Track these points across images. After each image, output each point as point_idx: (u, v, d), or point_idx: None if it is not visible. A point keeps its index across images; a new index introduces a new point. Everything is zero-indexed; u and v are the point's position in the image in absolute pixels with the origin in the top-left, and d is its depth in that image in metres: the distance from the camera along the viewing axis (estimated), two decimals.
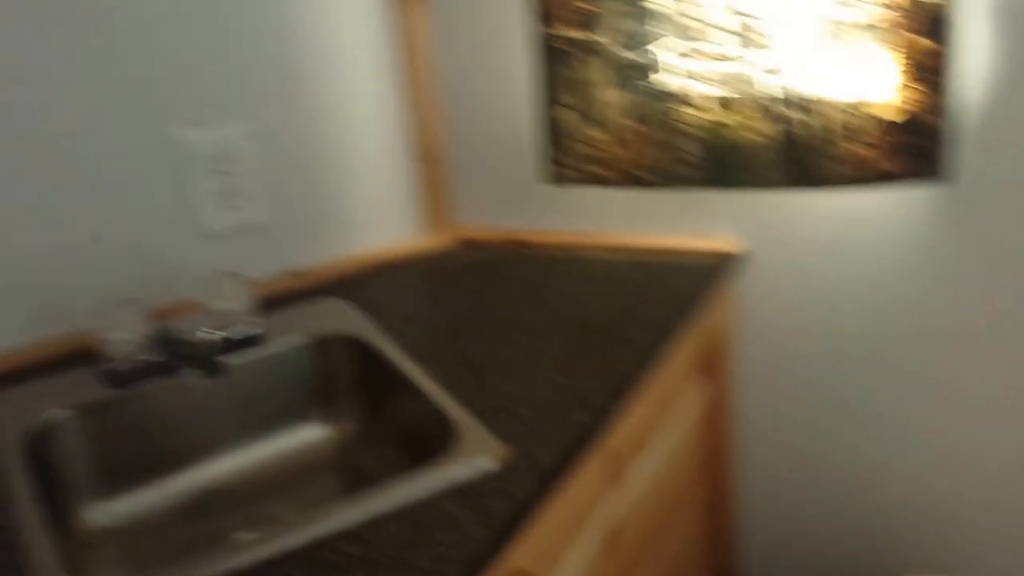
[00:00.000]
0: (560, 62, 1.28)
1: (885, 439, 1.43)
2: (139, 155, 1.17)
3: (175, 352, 1.06)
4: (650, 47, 1.24)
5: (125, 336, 1.05)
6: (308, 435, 1.18)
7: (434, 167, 1.44)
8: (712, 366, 1.41)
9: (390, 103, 1.38)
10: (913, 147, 1.26)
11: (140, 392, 1.07)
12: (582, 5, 1.25)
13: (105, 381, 1.06)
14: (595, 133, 1.31)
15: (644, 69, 1.26)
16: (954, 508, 1.43)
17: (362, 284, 1.33)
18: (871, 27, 1.22)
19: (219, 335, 1.01)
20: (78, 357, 1.14)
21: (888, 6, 1.21)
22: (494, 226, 1.47)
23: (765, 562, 1.58)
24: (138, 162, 1.17)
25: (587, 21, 1.25)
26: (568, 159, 1.34)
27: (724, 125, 1.26)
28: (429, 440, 1.04)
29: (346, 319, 1.22)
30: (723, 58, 1.23)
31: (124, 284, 1.20)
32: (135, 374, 1.06)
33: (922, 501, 1.44)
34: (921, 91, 1.25)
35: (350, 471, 1.14)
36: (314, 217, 1.34)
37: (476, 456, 0.92)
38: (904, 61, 1.23)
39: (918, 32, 1.21)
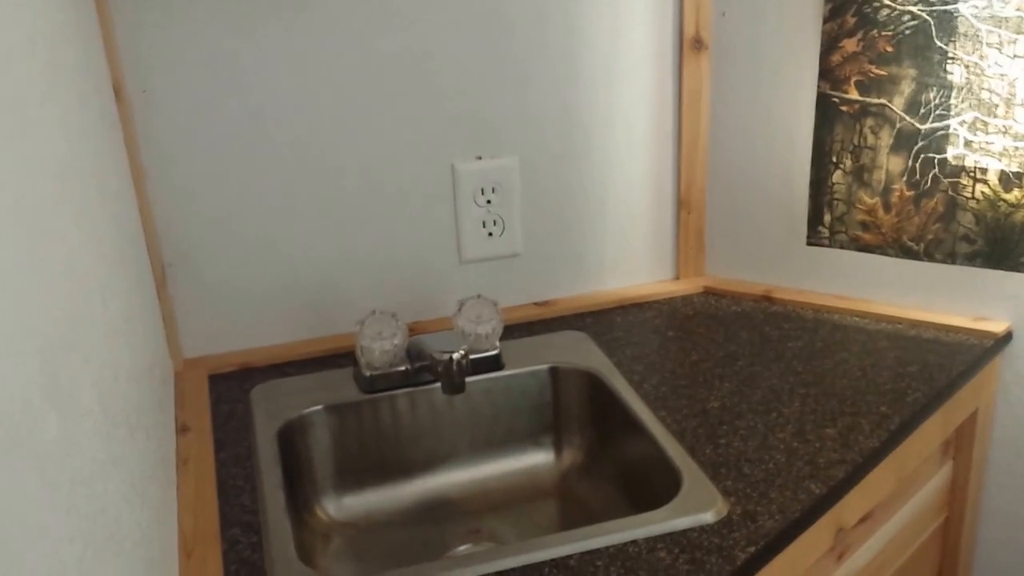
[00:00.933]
0: (843, 124, 1.25)
1: None
2: (423, 182, 1.27)
3: (424, 366, 1.13)
4: (943, 117, 1.18)
5: (382, 345, 1.13)
6: (535, 459, 1.21)
7: (694, 215, 1.43)
8: (959, 447, 1.30)
9: (661, 149, 1.39)
10: None
11: (387, 399, 1.15)
12: (875, 70, 1.20)
13: (359, 384, 1.15)
14: (869, 199, 1.25)
15: (933, 139, 1.19)
16: None
17: (606, 321, 1.35)
18: None
19: (464, 355, 1.06)
20: (340, 358, 1.24)
21: None
22: (746, 281, 1.44)
23: None
24: (420, 188, 1.27)
25: (879, 86, 1.21)
26: (836, 222, 1.29)
27: (1009, 204, 1.17)
28: (650, 484, 1.03)
29: (585, 353, 1.24)
30: (1019, 136, 1.14)
31: (389, 297, 1.30)
32: (385, 382, 1.14)
33: None
34: None
35: (570, 501, 1.16)
36: (568, 251, 1.38)
37: (697, 508, 0.91)
38: None
39: None
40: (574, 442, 1.21)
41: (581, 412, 1.21)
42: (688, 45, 1.35)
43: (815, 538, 0.97)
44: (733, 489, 0.94)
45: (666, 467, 0.99)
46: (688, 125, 1.38)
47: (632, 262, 1.44)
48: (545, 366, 1.21)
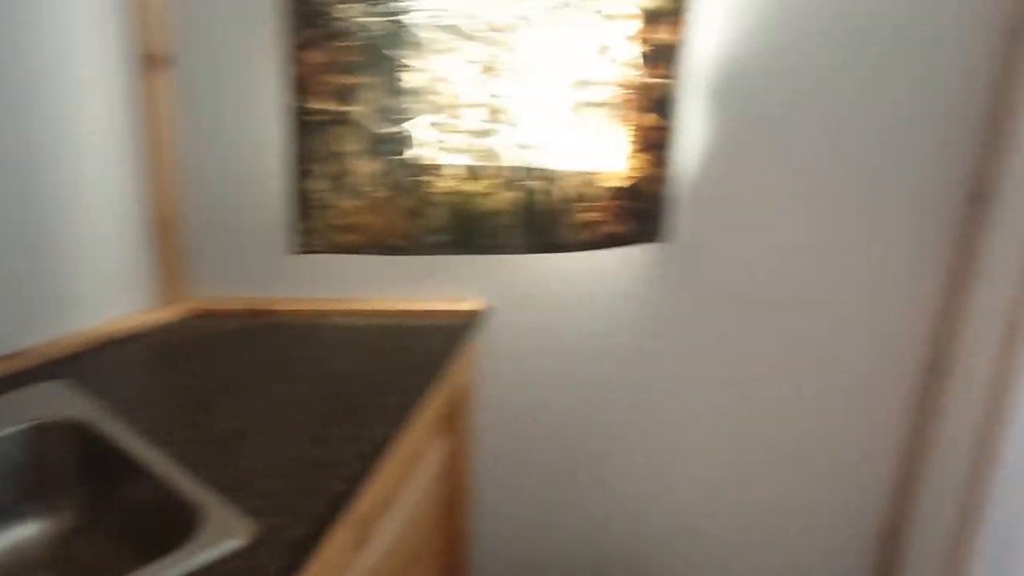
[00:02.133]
0: (313, 133, 1.26)
1: (616, 477, 1.49)
2: None
3: None
4: (403, 121, 1.26)
5: None
6: (21, 533, 1.04)
7: (170, 238, 1.35)
8: (453, 420, 1.41)
9: (124, 172, 1.28)
10: (638, 211, 1.35)
11: None
12: (338, 79, 1.24)
13: None
14: (346, 203, 1.29)
15: (397, 141, 1.27)
16: (683, 537, 1.50)
17: (86, 363, 1.21)
18: (606, 105, 1.30)
19: None
20: None
21: (622, 86, 1.29)
22: (235, 297, 1.40)
23: None
24: None
25: (342, 94, 1.24)
26: (317, 228, 1.30)
27: (471, 194, 1.29)
28: (167, 526, 0.94)
29: (66, 402, 1.09)
30: (473, 133, 1.26)
31: None
32: None
33: (653, 534, 1.51)
34: (647, 162, 1.34)
35: (71, 570, 1.01)
36: (32, 294, 1.21)
37: (219, 537, 0.84)
38: (634, 136, 1.32)
39: (646, 110, 1.31)
40: (66, 504, 1.06)
41: (70, 469, 1.06)
42: (144, 63, 1.27)
43: (340, 536, 0.97)
44: (256, 508, 0.90)
45: (180, 504, 0.91)
46: (151, 145, 1.30)
47: (108, 294, 1.31)
48: (18, 427, 1.05)
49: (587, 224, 1.34)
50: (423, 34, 1.23)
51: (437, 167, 1.28)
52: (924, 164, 1.33)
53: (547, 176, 1.31)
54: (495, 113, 1.27)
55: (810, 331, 1.42)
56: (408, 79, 1.24)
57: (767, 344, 1.43)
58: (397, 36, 1.23)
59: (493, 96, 1.26)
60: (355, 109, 1.26)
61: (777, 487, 1.51)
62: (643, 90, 1.30)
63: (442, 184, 1.28)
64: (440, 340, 1.29)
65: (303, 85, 1.25)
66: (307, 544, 0.85)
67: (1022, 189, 1.24)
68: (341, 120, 1.26)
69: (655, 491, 1.50)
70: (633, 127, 1.32)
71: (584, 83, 1.29)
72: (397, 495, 1.19)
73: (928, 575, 1.43)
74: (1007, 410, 1.24)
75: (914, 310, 1.41)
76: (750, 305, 1.41)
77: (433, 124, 1.26)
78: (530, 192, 1.31)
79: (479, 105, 1.26)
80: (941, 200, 1.35)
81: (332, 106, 1.26)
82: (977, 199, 1.33)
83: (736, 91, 1.30)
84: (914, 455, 1.49)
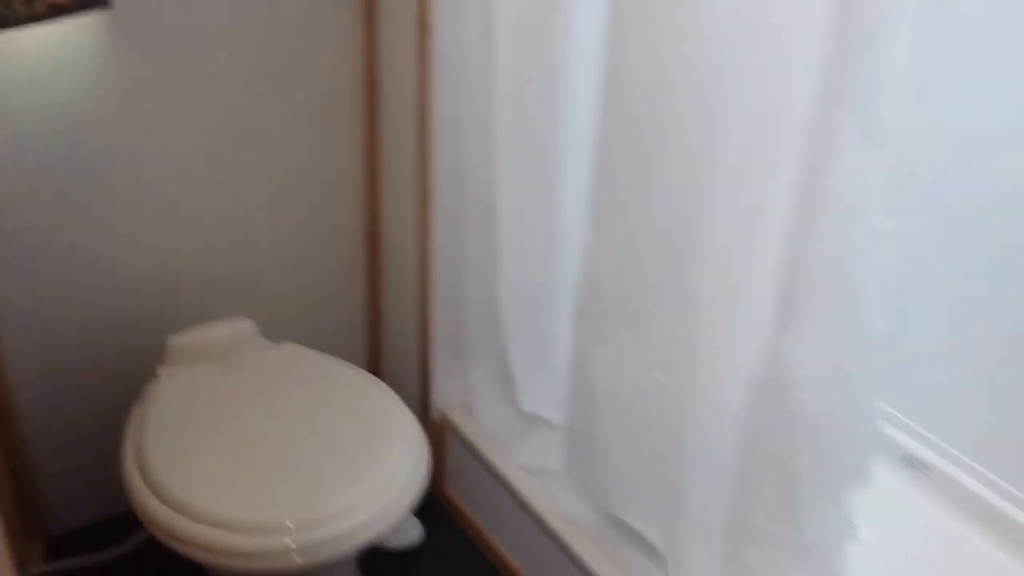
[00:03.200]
0: None
1: (98, 231, 1.51)
2: None
3: None
4: None
5: None
6: None
7: None
8: None
9: None
10: None
11: None
12: None
13: None
14: None
15: None
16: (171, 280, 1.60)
17: None
18: None
19: None
20: None
21: None
22: None
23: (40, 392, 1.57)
24: None
25: None
26: None
27: None
28: None
29: None
30: None
31: None
32: None
33: (156, 269, 1.58)
34: None
35: None
36: None
37: None
38: None
39: None
40: None
41: None
42: None
43: None
44: None
45: None
46: None
47: None
48: None
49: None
50: None
51: None
52: None
53: None
54: None
55: (256, 73, 1.53)
56: None
57: (219, 94, 1.51)
58: None
59: None
60: None
61: (268, 218, 1.64)
62: None
63: None
64: None
65: None
66: None
67: None
68: None
69: (160, 234, 1.56)
70: None
71: None
72: None
73: (407, 268, 1.63)
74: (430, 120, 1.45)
75: (343, 35, 1.56)
76: (198, 60, 1.47)
77: None
78: None
79: None
80: None
81: None
82: None
83: None
84: (374, 163, 1.68)
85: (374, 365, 1.86)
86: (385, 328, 1.81)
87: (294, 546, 1.12)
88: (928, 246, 1.51)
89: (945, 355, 1.55)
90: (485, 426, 1.61)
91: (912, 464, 1.56)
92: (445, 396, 1.68)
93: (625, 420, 1.26)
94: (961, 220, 1.50)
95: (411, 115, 1.50)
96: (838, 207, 0.94)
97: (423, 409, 1.66)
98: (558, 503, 1.43)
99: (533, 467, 1.51)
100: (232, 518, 1.14)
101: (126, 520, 1.33)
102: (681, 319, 1.12)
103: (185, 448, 1.26)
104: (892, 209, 0.96)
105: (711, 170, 1.03)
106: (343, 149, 1.67)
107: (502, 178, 1.39)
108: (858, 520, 1.25)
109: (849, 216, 0.95)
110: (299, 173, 1.65)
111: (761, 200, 1.02)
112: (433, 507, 1.65)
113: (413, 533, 1.62)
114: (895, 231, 0.97)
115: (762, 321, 1.05)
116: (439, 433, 1.65)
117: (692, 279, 1.09)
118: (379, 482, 1.21)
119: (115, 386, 1.55)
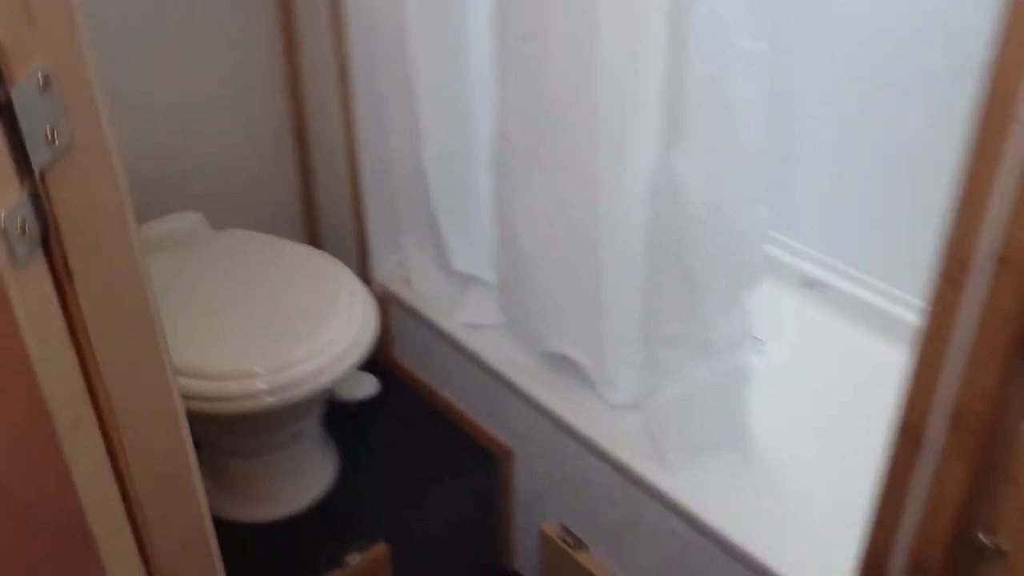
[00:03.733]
0: None
1: None
2: None
3: None
4: None
5: None
6: None
7: None
8: None
9: None
10: None
11: None
12: None
13: None
14: None
15: None
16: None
17: None
18: None
19: None
20: None
21: None
22: None
23: None
24: None
25: None
26: None
27: None
28: None
29: None
30: None
31: None
32: None
33: None
34: None
35: None
36: None
37: None
38: None
39: None
40: None
41: None
42: None
43: None
44: None
45: None
46: None
47: None
48: None
49: None
50: None
51: None
52: None
53: None
54: None
55: None
56: None
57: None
58: None
59: None
60: None
61: (204, 116, 1.75)
62: None
63: None
64: None
65: None
66: None
67: None
68: None
69: None
70: None
71: None
72: None
73: (335, 152, 1.74)
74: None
75: None
76: None
77: None
78: None
79: None
80: None
81: None
82: None
83: None
84: (292, 56, 1.77)
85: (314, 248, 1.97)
86: (321, 213, 1.93)
87: (264, 387, 1.26)
88: (809, 65, 1.62)
89: (827, 175, 1.70)
90: (424, 292, 1.75)
91: (810, 284, 1.75)
92: (384, 269, 1.81)
93: (546, 259, 1.41)
94: (840, 40, 1.58)
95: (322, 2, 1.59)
96: (708, 28, 1.08)
97: (365, 284, 1.79)
98: (499, 350, 1.59)
99: (473, 323, 1.66)
100: (208, 369, 1.27)
101: None
102: (583, 154, 1.27)
103: None
104: (761, 30, 1.10)
105: (595, 5, 1.16)
106: (264, 44, 1.76)
107: (414, 51, 1.50)
108: (762, 335, 1.44)
109: (719, 37, 1.09)
110: (225, 70, 1.73)
111: (641, 31, 1.16)
112: (384, 373, 1.80)
113: (370, 386, 1.77)
114: (765, 51, 1.11)
115: (652, 142, 1.20)
116: (382, 305, 1.78)
117: (589, 114, 1.23)
118: (336, 330, 1.36)
119: None
